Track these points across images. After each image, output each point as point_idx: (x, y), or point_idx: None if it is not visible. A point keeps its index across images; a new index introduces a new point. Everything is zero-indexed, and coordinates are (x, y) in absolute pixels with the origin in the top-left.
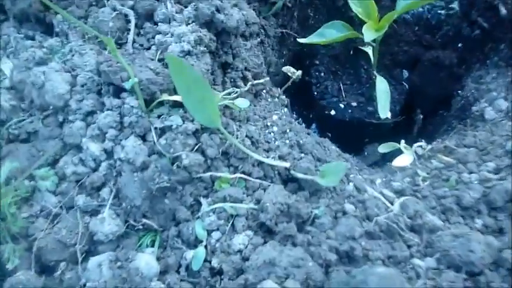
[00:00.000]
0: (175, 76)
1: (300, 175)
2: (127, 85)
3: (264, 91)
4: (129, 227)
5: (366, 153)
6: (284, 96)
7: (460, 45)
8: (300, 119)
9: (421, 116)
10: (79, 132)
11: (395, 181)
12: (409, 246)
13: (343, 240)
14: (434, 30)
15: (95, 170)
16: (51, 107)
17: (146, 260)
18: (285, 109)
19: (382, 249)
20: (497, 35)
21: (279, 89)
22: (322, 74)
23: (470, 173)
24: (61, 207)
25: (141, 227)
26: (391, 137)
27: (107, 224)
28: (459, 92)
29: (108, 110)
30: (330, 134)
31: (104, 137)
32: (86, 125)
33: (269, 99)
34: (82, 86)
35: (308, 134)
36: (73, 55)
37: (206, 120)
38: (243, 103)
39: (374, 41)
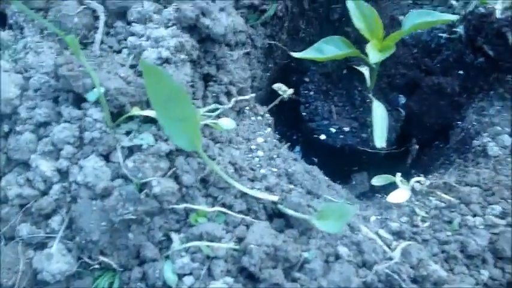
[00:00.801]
0: (150, 87)
1: (290, 211)
2: (90, 96)
3: (248, 108)
4: (82, 266)
5: (353, 182)
6: (268, 115)
7: (461, 72)
8: (283, 140)
9: (417, 147)
10: (28, 147)
11: (391, 220)
12: None
13: None
14: (433, 54)
15: (44, 193)
16: None
17: None
18: (269, 129)
19: None
20: (503, 65)
21: (264, 107)
22: (312, 93)
23: (475, 215)
24: None
25: (97, 265)
26: (382, 166)
27: (55, 261)
28: (459, 123)
29: (65, 122)
30: (315, 159)
31: (58, 155)
32: (37, 139)
33: (252, 118)
34: (35, 91)
35: (295, 160)
36: (27, 53)
37: (184, 142)
38: (228, 124)
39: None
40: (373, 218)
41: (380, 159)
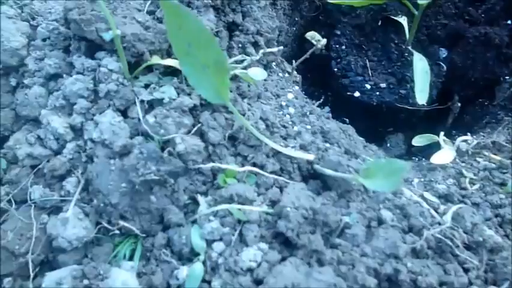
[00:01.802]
0: (172, 29)
1: (328, 171)
2: (106, 37)
3: (275, 63)
4: (101, 231)
5: (388, 145)
6: (296, 72)
7: (509, 22)
8: (313, 100)
9: (459, 104)
10: (37, 102)
11: (437, 182)
12: (466, 270)
13: (383, 259)
14: (477, 3)
15: (57, 153)
16: (0, 66)
17: (123, 279)
18: (296, 87)
19: (432, 272)
20: None
21: (294, 61)
22: (344, 47)
23: None
24: (9, 201)
25: (117, 231)
26: (419, 127)
27: (72, 226)
28: (507, 77)
29: (78, 73)
30: (347, 120)
31: (72, 110)
32: (48, 93)
33: (280, 74)
34: (44, 40)
35: (328, 118)
36: None
37: (211, 93)
38: (258, 74)
39: (417, 8)
40: (416, 181)
41: (417, 119)
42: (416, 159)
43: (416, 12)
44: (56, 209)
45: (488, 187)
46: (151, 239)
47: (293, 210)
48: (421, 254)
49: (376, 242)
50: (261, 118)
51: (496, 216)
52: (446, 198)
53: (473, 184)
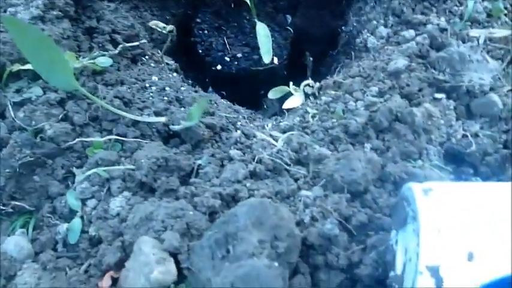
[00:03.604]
0: (18, 40)
1: (177, 127)
2: None
3: (147, 56)
4: None
5: (265, 107)
6: (173, 61)
7: None
8: (197, 85)
9: (311, 59)
10: None
11: (284, 121)
12: (296, 180)
13: (227, 185)
14: None
15: None
16: None
17: (15, 242)
18: (174, 74)
19: (268, 187)
20: None
21: (159, 51)
22: (206, 31)
23: (357, 100)
24: None
25: (11, 210)
26: (286, 85)
27: None
28: (343, 28)
29: None
30: (224, 93)
31: None
32: None
33: (152, 64)
34: None
35: (196, 91)
36: None
37: (61, 82)
38: (104, 61)
39: None
40: (269, 125)
41: (283, 78)
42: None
43: None
44: None
45: (325, 116)
46: (42, 211)
47: (146, 160)
48: (260, 175)
49: (224, 174)
50: (116, 97)
51: (328, 136)
52: (289, 131)
53: (314, 117)
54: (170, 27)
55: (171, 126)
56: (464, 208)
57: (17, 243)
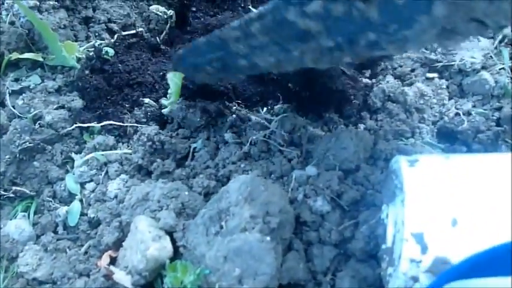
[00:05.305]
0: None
1: (165, 110)
2: None
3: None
4: (1, 199)
5: None
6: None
7: None
8: None
9: None
10: None
11: (278, 104)
12: (289, 160)
13: (222, 166)
14: None
15: None
16: None
17: (16, 225)
18: None
19: (262, 167)
20: None
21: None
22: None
23: None
24: None
25: (12, 195)
26: None
27: None
28: None
29: None
30: None
31: None
32: None
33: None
34: None
35: None
36: None
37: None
38: (109, 51)
39: None
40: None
41: None
42: None
43: None
44: None
45: None
46: (42, 196)
47: (142, 143)
48: (254, 156)
49: (219, 156)
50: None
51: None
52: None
53: None
54: (170, 12)
55: (163, 111)
56: (449, 177)
57: (18, 225)
